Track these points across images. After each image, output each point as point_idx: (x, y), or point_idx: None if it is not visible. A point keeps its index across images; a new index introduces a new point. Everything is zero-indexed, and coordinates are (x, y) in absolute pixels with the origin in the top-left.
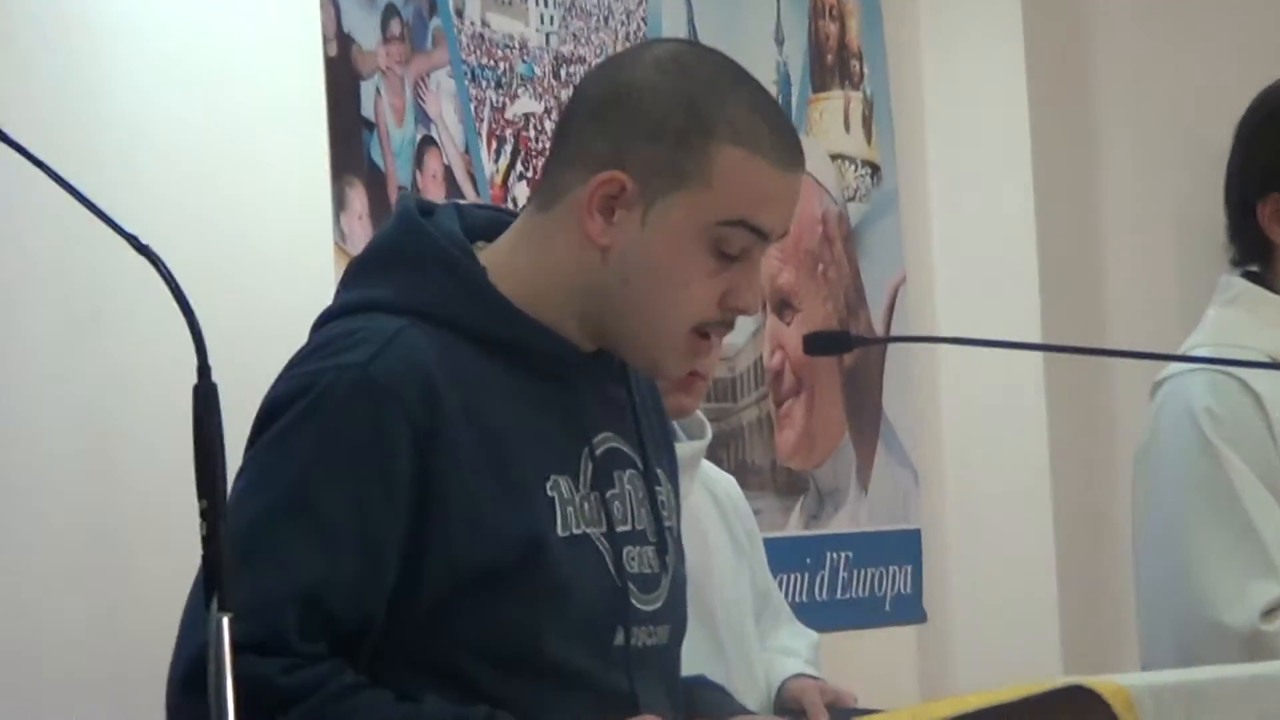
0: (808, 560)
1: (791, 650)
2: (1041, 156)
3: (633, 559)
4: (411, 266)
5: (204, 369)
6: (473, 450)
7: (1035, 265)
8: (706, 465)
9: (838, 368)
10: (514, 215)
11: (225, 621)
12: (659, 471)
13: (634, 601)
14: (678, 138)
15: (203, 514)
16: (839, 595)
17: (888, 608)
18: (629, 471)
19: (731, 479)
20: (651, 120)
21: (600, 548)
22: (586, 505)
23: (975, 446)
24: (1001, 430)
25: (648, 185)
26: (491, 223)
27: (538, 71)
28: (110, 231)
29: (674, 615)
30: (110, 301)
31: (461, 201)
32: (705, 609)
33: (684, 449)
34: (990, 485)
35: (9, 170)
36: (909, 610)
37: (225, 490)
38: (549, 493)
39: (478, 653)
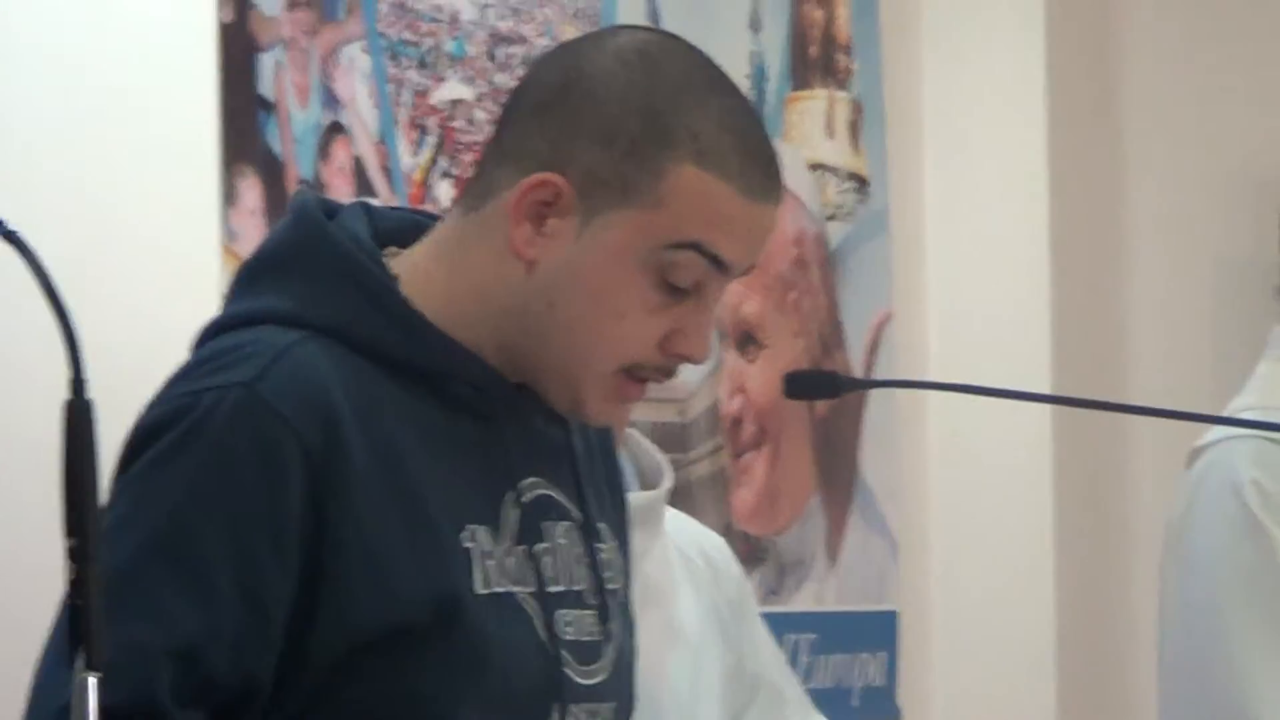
0: None
1: None
2: (1060, 176)
3: (568, 624)
4: (309, 274)
5: (78, 382)
6: (378, 487)
7: (1047, 304)
8: (678, 518)
9: (808, 417)
10: (433, 219)
11: (93, 682)
12: (601, 526)
13: (569, 673)
14: (630, 145)
15: (70, 554)
16: (800, 685)
17: (855, 702)
18: (563, 524)
19: (718, 540)
20: (602, 120)
21: (528, 609)
22: (510, 560)
23: (966, 515)
24: (998, 497)
25: (589, 195)
26: (407, 226)
27: (470, 51)
28: None
29: (619, 693)
30: None
31: (371, 201)
32: (650, 699)
33: (636, 499)
34: (982, 561)
35: None
36: (881, 705)
37: (98, 527)
38: (465, 543)
39: None
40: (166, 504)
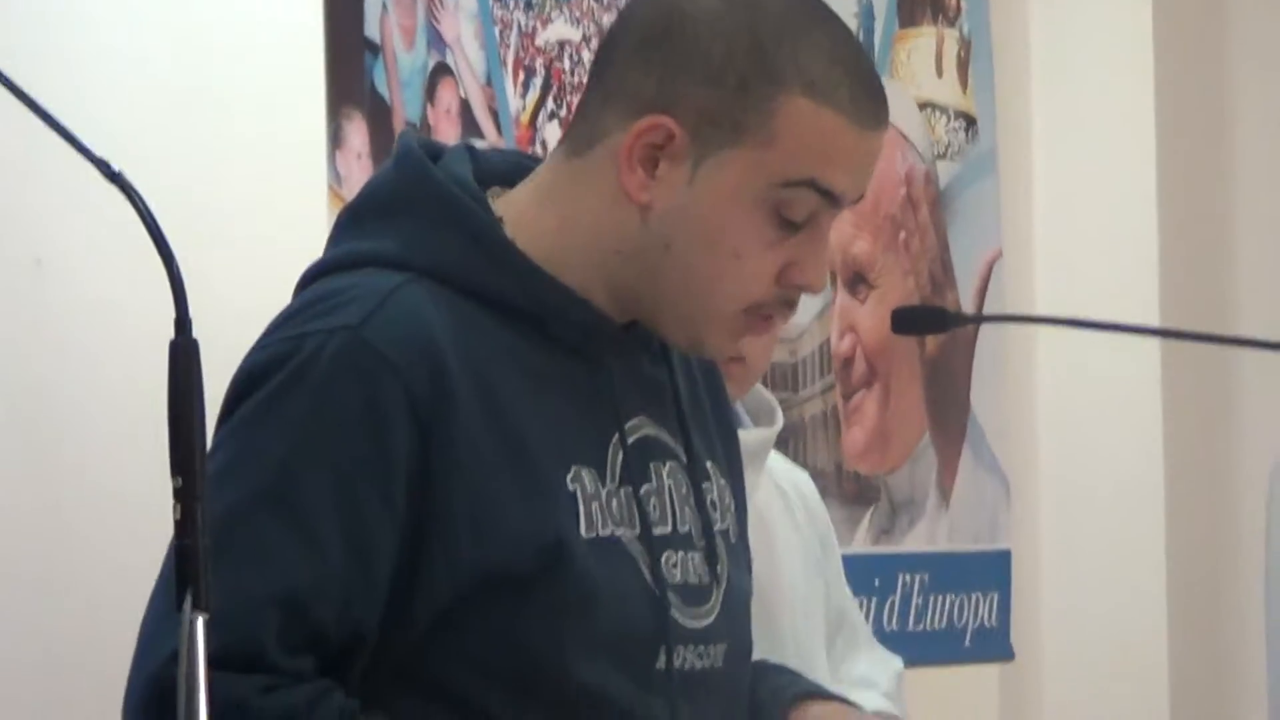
0: (876, 583)
1: (870, 681)
2: (1167, 112)
3: (674, 566)
4: (414, 216)
5: (183, 322)
6: (483, 433)
7: (1155, 241)
8: (776, 458)
9: (918, 356)
10: (537, 162)
11: (200, 623)
12: (709, 465)
13: (676, 616)
14: (739, 83)
15: (176, 494)
16: (911, 626)
17: (968, 642)
18: (669, 464)
19: (805, 475)
20: (709, 60)
21: (633, 552)
22: (615, 502)
23: (1077, 454)
24: (1108, 435)
25: (700, 136)
26: (512, 169)
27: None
28: (50, 168)
29: (731, 634)
30: (56, 248)
31: (476, 142)
32: (771, 629)
33: (748, 437)
34: (1094, 500)
35: None
36: (993, 646)
37: (204, 468)
38: (570, 486)
39: (489, 675)
40: (273, 452)
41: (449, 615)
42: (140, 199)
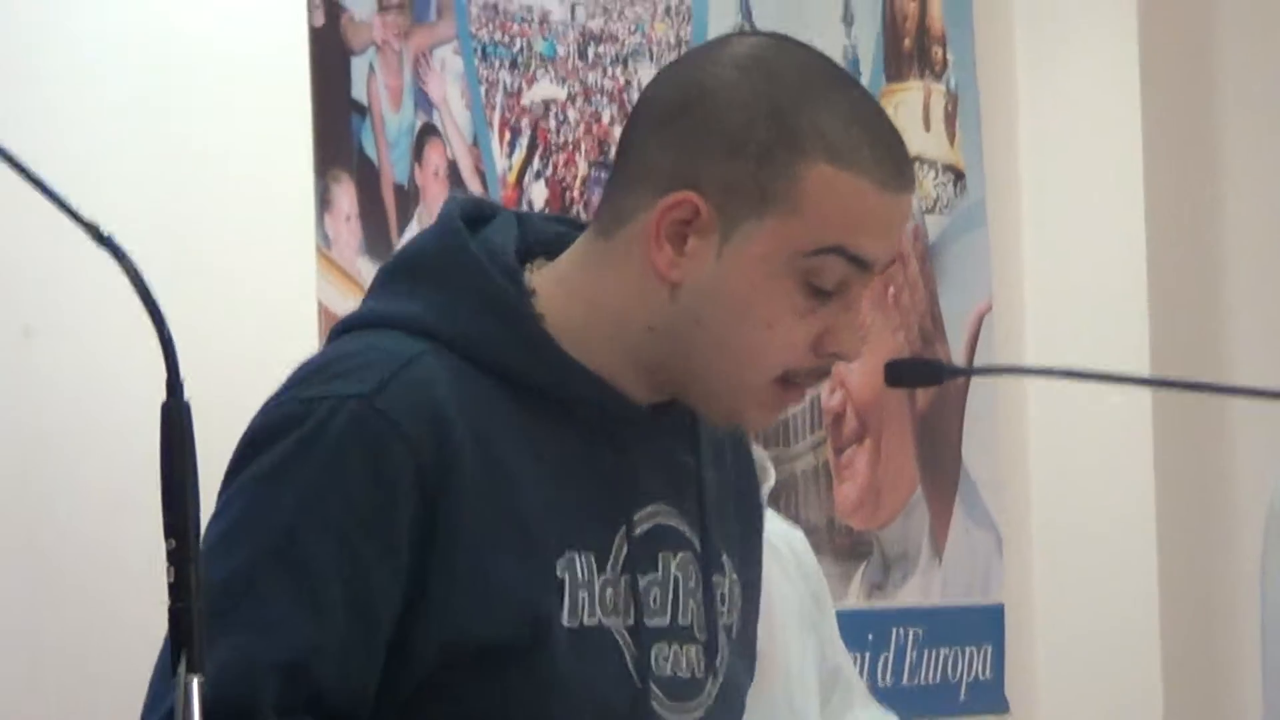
0: (870, 638)
1: None
2: (1155, 163)
3: (664, 659)
4: (441, 284)
5: (175, 385)
6: (485, 508)
7: (1144, 290)
8: (769, 515)
9: (909, 410)
10: (583, 229)
11: (196, 684)
12: (725, 558)
13: (658, 708)
14: (761, 152)
15: (170, 557)
16: (906, 680)
17: (963, 696)
18: (681, 554)
19: (800, 534)
20: (729, 132)
21: (619, 642)
22: (610, 591)
23: (1070, 507)
24: (1100, 486)
25: (725, 209)
26: (556, 238)
27: (560, 51)
28: (43, 235)
29: None
30: (45, 316)
31: (526, 211)
32: (764, 686)
33: None
34: (1086, 553)
35: None
36: (988, 699)
37: (198, 530)
38: (560, 573)
39: None
40: (279, 514)
41: (432, 684)
42: (130, 261)
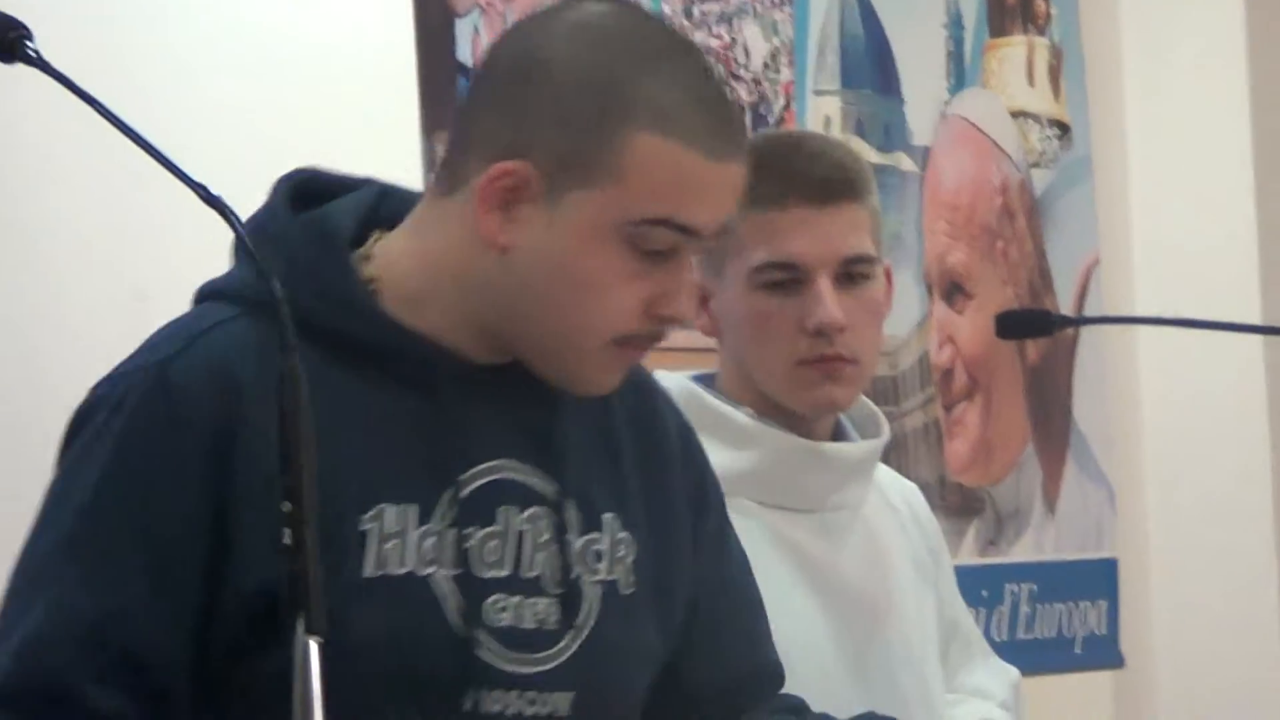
0: (984, 594)
1: (986, 692)
2: (1263, 110)
3: (501, 610)
4: (260, 254)
5: (289, 346)
6: (277, 469)
7: (1254, 240)
8: (884, 471)
9: (1019, 365)
10: None
11: (314, 646)
12: (609, 516)
13: (489, 658)
14: (586, 123)
15: (287, 519)
16: (1020, 635)
17: (1078, 650)
18: (532, 509)
19: (914, 487)
20: (559, 101)
21: (440, 592)
22: (429, 541)
23: (1183, 459)
24: (1213, 437)
25: (554, 178)
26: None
27: (666, 9)
28: (155, 201)
29: (586, 684)
30: (158, 281)
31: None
32: (881, 642)
33: (855, 450)
34: (1201, 505)
35: (43, 125)
36: (1103, 653)
37: (314, 493)
38: (362, 526)
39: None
40: (82, 493)
41: (242, 643)
42: (239, 221)
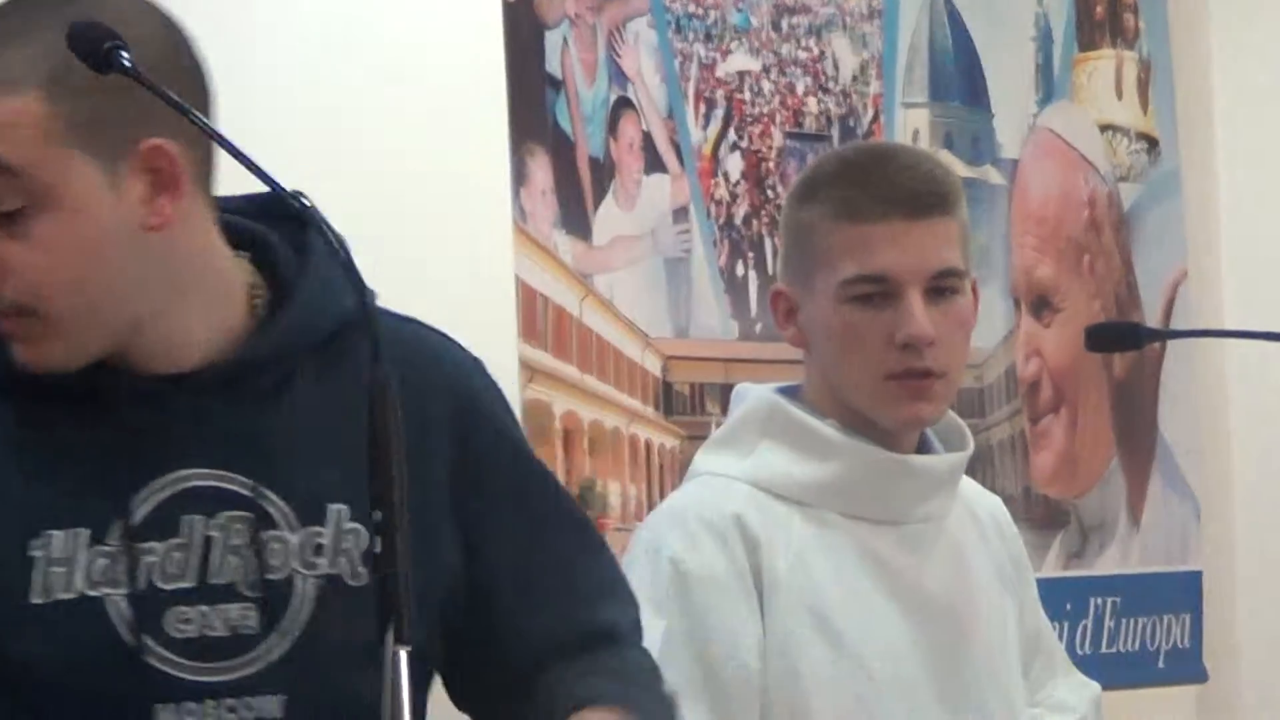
0: (1068, 606)
1: (1068, 706)
2: None
3: (186, 621)
4: None
5: (378, 355)
6: None
7: None
8: (968, 483)
9: (1105, 378)
10: (275, 224)
11: (404, 655)
12: (340, 508)
13: (170, 671)
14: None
15: (377, 528)
16: (1104, 648)
17: (1162, 664)
18: (224, 514)
19: (997, 500)
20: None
21: (113, 610)
22: (102, 562)
23: (1270, 472)
24: None
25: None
26: (254, 236)
27: (754, 22)
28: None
29: (299, 684)
30: None
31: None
32: (964, 654)
33: (940, 462)
34: None
35: None
36: (1187, 668)
37: (404, 501)
38: (30, 554)
39: None
40: None
41: None
42: (330, 229)
